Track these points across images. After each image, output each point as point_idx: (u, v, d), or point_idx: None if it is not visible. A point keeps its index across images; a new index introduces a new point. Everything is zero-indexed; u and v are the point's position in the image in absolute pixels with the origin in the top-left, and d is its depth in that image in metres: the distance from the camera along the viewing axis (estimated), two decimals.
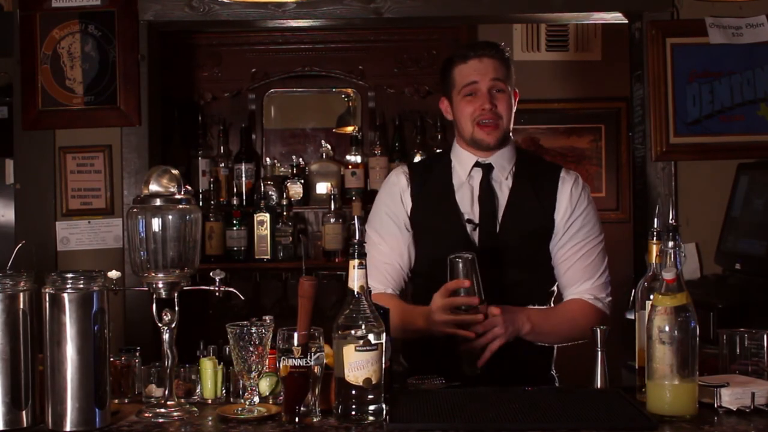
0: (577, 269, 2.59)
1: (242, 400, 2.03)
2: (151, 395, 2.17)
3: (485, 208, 2.56)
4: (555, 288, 2.69)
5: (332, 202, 4.48)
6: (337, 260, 4.44)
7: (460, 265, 2.36)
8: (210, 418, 2.01)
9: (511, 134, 2.67)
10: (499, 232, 2.55)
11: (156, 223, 2.02)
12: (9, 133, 3.85)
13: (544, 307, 2.61)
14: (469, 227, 2.56)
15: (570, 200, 2.60)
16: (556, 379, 2.70)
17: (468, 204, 2.58)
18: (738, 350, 2.18)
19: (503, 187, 2.60)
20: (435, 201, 2.61)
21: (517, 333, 2.43)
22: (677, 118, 3.69)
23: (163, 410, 2.00)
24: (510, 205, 2.57)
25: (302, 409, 1.92)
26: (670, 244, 1.97)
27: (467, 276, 2.35)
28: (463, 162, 2.63)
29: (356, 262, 1.96)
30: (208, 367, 2.17)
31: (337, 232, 4.45)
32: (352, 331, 1.92)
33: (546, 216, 2.59)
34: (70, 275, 1.91)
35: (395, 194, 2.65)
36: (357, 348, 1.90)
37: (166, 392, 2.03)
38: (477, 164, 2.60)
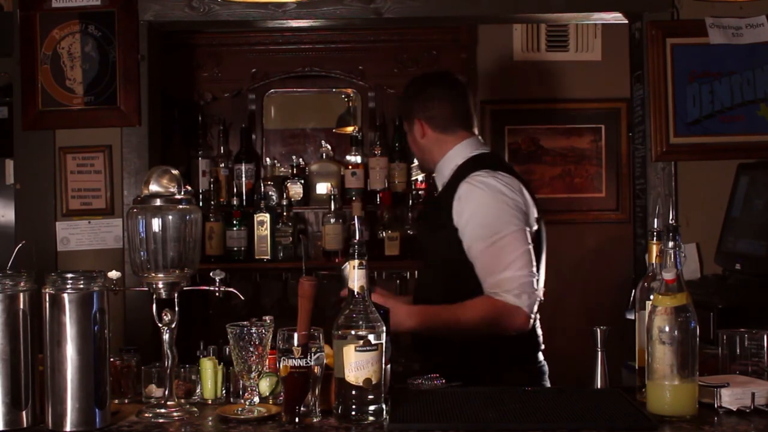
0: (481, 267, 2.60)
1: (242, 401, 2.03)
2: (151, 395, 2.17)
3: (423, 221, 2.92)
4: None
5: (332, 202, 4.47)
6: (337, 260, 4.44)
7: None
8: (210, 418, 2.01)
9: (457, 148, 2.76)
10: (419, 239, 2.88)
11: (156, 224, 2.02)
12: (9, 133, 3.85)
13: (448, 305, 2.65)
14: None
15: (459, 205, 2.63)
16: (545, 365, 2.78)
17: None
18: (738, 350, 2.19)
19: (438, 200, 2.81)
20: None
21: (397, 327, 2.44)
22: (677, 118, 3.69)
23: (163, 410, 2.01)
24: (431, 216, 2.79)
25: (302, 409, 1.92)
26: (670, 244, 1.97)
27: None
28: None
29: (356, 262, 1.96)
30: (208, 367, 2.17)
31: (337, 232, 4.45)
32: (352, 331, 1.92)
33: (449, 222, 2.64)
34: (70, 275, 1.91)
35: None
36: (357, 348, 1.90)
37: (166, 392, 2.03)
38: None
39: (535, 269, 2.60)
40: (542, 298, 2.71)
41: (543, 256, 2.78)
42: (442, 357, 2.67)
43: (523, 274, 2.56)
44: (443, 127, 2.78)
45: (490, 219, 2.59)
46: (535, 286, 2.60)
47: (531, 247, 2.61)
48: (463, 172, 2.69)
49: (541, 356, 2.79)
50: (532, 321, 2.60)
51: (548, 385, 2.78)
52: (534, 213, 2.69)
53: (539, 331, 2.79)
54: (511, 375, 2.62)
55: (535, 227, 2.68)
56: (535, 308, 2.61)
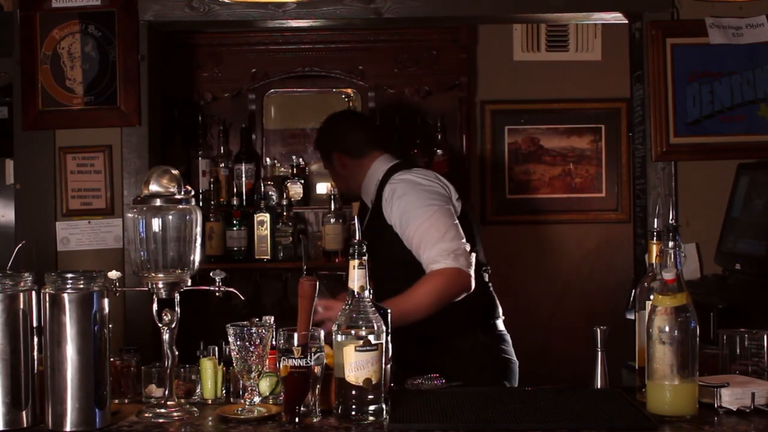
0: (417, 246, 2.85)
1: (242, 401, 2.03)
2: (151, 395, 2.17)
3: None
4: None
5: (332, 202, 4.48)
6: (337, 260, 4.44)
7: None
8: (210, 418, 2.01)
9: (374, 166, 3.07)
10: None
11: (156, 224, 2.02)
12: (9, 133, 3.84)
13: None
14: None
15: (389, 203, 2.92)
16: (506, 334, 2.99)
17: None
18: (738, 350, 2.19)
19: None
20: None
21: None
22: (677, 118, 3.69)
23: (163, 410, 2.01)
24: (367, 227, 2.95)
25: (302, 409, 1.92)
26: (670, 244, 1.97)
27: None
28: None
29: (356, 262, 1.96)
30: (208, 367, 2.17)
31: (337, 232, 4.45)
32: (352, 331, 1.92)
33: (383, 223, 2.93)
34: (70, 275, 1.91)
35: None
36: (357, 348, 1.91)
37: (166, 392, 2.03)
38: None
39: (464, 240, 2.84)
40: (489, 270, 3.05)
41: (476, 232, 3.05)
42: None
43: (455, 244, 2.81)
44: (359, 153, 3.12)
45: (415, 204, 2.88)
46: (468, 251, 2.84)
47: (457, 221, 2.87)
48: (385, 182, 3.00)
49: (501, 325, 3.02)
50: (474, 281, 2.81)
51: (512, 352, 3.01)
52: (454, 195, 2.98)
53: (496, 300, 3.06)
54: (472, 338, 2.91)
55: (459, 206, 2.97)
56: (472, 270, 2.82)
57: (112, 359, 2.07)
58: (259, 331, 1.99)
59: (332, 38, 4.61)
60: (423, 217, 2.84)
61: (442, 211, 2.86)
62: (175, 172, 2.07)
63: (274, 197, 4.58)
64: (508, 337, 3.03)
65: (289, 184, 4.60)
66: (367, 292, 1.96)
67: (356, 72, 4.64)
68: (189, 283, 2.07)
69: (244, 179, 4.59)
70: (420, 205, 2.86)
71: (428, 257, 2.80)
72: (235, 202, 4.52)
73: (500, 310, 3.04)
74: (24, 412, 1.92)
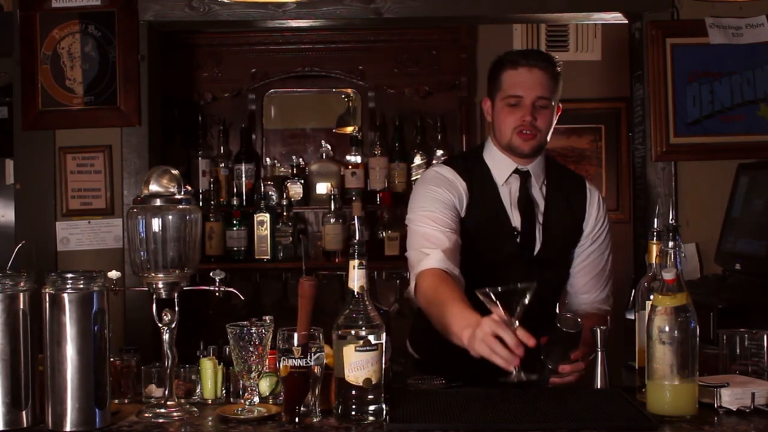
0: (596, 279, 2.72)
1: (242, 401, 2.03)
2: (151, 395, 2.17)
3: (527, 216, 2.61)
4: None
5: (332, 202, 4.48)
6: (337, 260, 4.44)
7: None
8: (210, 418, 2.01)
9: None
10: (539, 240, 2.63)
11: (156, 224, 2.02)
12: (9, 133, 3.85)
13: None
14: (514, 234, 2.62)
15: (598, 214, 2.70)
16: None
17: (508, 208, 2.63)
18: (738, 350, 2.19)
19: (538, 196, 2.65)
20: (483, 202, 2.62)
21: None
22: (677, 119, 3.69)
23: (163, 410, 2.01)
24: (547, 214, 2.64)
25: (302, 409, 1.92)
26: (670, 244, 1.97)
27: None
28: (500, 166, 2.65)
29: (356, 262, 1.96)
30: (208, 367, 2.17)
31: (337, 232, 4.45)
32: (352, 331, 1.92)
33: (576, 225, 2.69)
34: (70, 275, 1.91)
35: (451, 186, 2.60)
36: (357, 348, 1.90)
37: (166, 392, 2.03)
38: (516, 171, 2.64)
39: None
40: None
41: None
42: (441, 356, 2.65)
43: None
44: None
45: (611, 233, 2.74)
46: None
47: None
48: (558, 170, 2.76)
49: None
50: None
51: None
52: None
53: None
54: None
55: None
56: None
57: (112, 359, 2.07)
58: (259, 331, 1.99)
59: (332, 38, 4.62)
60: (610, 249, 2.74)
61: None
62: (175, 172, 2.07)
63: (274, 197, 4.58)
64: None
65: (289, 184, 4.60)
66: (367, 292, 1.96)
67: (356, 72, 4.65)
68: (189, 283, 2.07)
69: (244, 179, 4.59)
70: (611, 236, 2.75)
71: (604, 295, 2.72)
72: (235, 202, 4.53)
73: None
74: (24, 412, 1.92)
